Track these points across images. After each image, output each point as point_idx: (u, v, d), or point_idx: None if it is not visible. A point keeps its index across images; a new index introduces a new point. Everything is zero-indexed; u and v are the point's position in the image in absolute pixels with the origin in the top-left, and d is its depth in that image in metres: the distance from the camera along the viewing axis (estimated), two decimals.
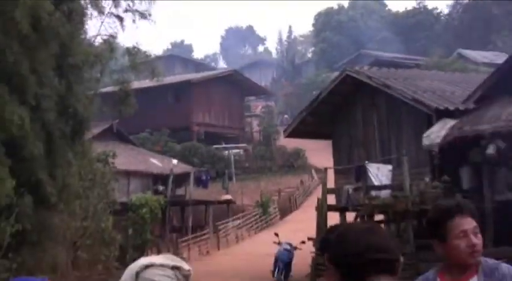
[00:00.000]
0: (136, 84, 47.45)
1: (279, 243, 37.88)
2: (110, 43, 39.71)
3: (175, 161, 62.47)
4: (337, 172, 38.32)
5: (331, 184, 36.91)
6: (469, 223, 5.74)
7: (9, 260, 28.03)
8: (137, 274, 4.82)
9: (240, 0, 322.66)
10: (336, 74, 42.08)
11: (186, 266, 4.92)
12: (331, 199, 34.99)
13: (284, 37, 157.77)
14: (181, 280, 4.76)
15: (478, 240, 5.77)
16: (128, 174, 54.47)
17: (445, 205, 6.04)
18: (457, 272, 5.94)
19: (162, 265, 4.82)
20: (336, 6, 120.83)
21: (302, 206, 64.54)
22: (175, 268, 4.83)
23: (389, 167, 33.52)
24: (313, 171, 70.79)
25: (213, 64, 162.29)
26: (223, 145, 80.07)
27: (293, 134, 42.92)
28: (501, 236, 26.98)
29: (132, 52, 45.47)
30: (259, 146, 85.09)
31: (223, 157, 77.13)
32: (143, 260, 4.94)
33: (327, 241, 6.15)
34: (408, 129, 34.77)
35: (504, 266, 6.02)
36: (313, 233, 32.45)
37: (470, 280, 5.92)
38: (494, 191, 29.39)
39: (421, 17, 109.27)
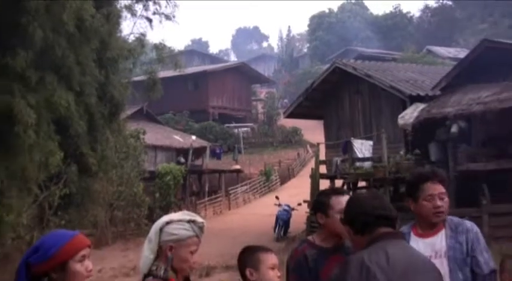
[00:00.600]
0: (162, 74, 47.20)
1: (279, 205, 38.03)
2: (140, 40, 39.70)
3: (194, 138, 62.69)
4: (327, 147, 38.34)
5: (322, 156, 36.91)
6: (437, 189, 5.83)
7: (59, 218, 28.26)
8: (161, 229, 4.93)
9: (248, 1, 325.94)
10: (327, 66, 41.99)
11: (199, 219, 5.08)
12: (323, 169, 35.01)
13: (284, 35, 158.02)
14: (197, 231, 4.98)
15: (442, 203, 5.86)
16: (155, 148, 54.47)
17: (422, 171, 6.16)
18: (426, 227, 6.05)
19: (179, 220, 4.98)
20: (327, 10, 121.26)
21: (298, 175, 64.52)
22: (191, 221, 4.99)
23: (371, 142, 33.60)
24: (308, 146, 70.74)
25: (225, 58, 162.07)
26: (234, 124, 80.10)
27: (291, 115, 42.89)
28: (462, 199, 26.97)
29: (159, 47, 45.45)
30: (263, 125, 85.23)
31: (233, 134, 77.25)
32: (165, 218, 5.07)
33: (318, 202, 6.23)
34: (386, 111, 34.77)
35: (467, 223, 6.15)
36: (307, 196, 32.47)
37: (438, 233, 5.97)
38: (456, 163, 29.38)
39: (397, 19, 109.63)
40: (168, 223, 5.03)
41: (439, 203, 5.85)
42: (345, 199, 5.97)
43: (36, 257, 4.46)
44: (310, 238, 6.36)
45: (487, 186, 27.45)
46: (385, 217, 4.73)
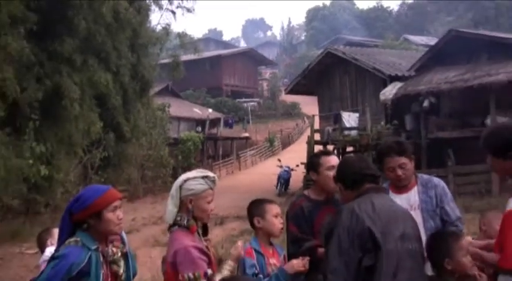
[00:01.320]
0: (183, 57, 47.18)
1: (281, 166, 38.17)
2: (166, 29, 39.86)
3: (210, 110, 62.73)
4: (321, 118, 38.32)
5: (317, 126, 36.91)
6: (396, 161, 5.86)
7: (99, 176, 28.46)
8: (180, 186, 4.98)
9: None
10: (321, 51, 41.91)
11: (211, 174, 5.17)
12: (317, 136, 34.99)
13: (285, 25, 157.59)
14: (210, 184, 5.06)
15: (402, 172, 5.91)
16: (178, 119, 54.41)
17: (383, 147, 6.17)
18: (399, 187, 6.01)
19: (195, 177, 5.05)
20: (321, 4, 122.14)
21: (297, 142, 64.52)
22: (204, 177, 5.08)
23: (357, 114, 33.63)
24: (304, 117, 70.61)
25: (236, 44, 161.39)
26: (243, 99, 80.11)
27: (291, 92, 42.89)
28: (432, 161, 27.02)
29: (181, 36, 45.87)
30: (267, 100, 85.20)
31: (243, 107, 77.16)
32: (182, 176, 5.18)
33: (311, 162, 6.28)
34: (370, 88, 34.74)
35: (435, 179, 6.18)
36: (304, 159, 32.42)
37: (412, 190, 5.99)
38: (427, 131, 29.43)
39: (379, 12, 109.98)
40: (185, 180, 5.09)
41: (399, 173, 5.86)
42: (332, 158, 6.19)
43: (76, 207, 4.58)
44: (305, 192, 6.39)
45: (453, 151, 27.49)
46: (370, 175, 4.83)
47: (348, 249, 4.52)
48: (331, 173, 5.94)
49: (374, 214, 4.55)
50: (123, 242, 4.91)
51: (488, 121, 26.00)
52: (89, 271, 4.51)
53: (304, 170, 31.43)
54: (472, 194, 24.81)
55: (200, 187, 5.06)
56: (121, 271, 4.79)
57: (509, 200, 4.84)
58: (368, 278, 4.45)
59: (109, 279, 4.69)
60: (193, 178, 5.09)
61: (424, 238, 5.12)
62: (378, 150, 6.24)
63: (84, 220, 4.60)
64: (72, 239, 4.56)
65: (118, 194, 4.78)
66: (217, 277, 5.05)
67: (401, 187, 6.04)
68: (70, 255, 4.45)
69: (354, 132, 32.18)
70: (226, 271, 5.24)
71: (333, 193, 6.09)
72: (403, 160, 5.89)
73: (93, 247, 4.58)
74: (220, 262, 5.40)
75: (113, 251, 4.74)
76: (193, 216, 5.08)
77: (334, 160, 6.13)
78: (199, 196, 5.05)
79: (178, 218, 5.05)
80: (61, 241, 4.64)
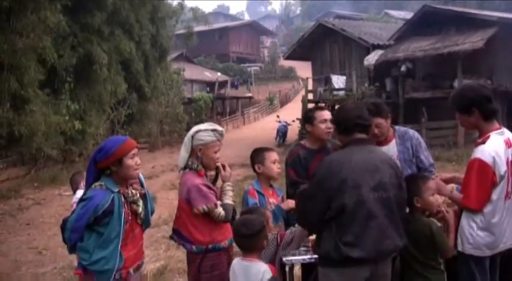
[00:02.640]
0: (196, 28, 47.20)
1: (280, 121, 38.18)
2: (181, 4, 39.83)
3: (219, 74, 62.61)
4: (314, 80, 38.28)
5: (310, 87, 36.88)
6: (372, 121, 5.79)
7: (124, 130, 28.53)
8: (192, 136, 5.03)
9: None
10: (314, 23, 41.71)
11: (219, 128, 5.26)
12: (310, 96, 34.92)
13: (283, 1, 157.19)
14: (218, 136, 5.16)
15: (379, 130, 5.87)
16: (192, 81, 54.35)
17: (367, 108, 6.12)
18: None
19: (205, 129, 5.15)
20: None
21: (293, 100, 64.33)
22: (214, 130, 5.17)
23: (344, 77, 33.63)
24: (300, 80, 70.28)
25: (241, 17, 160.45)
26: (247, 64, 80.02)
27: (288, 58, 42.88)
28: (407, 118, 27.06)
29: (194, 10, 45.99)
30: (268, 65, 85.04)
31: (247, 71, 77.09)
32: (195, 128, 5.27)
33: (306, 116, 6.28)
34: (356, 55, 34.69)
35: (410, 131, 6.19)
36: (299, 115, 32.44)
37: (391, 142, 5.98)
38: (404, 92, 29.47)
39: None
40: (197, 132, 5.20)
41: (375, 131, 5.77)
42: (324, 112, 6.16)
43: (100, 156, 4.68)
44: (302, 142, 6.40)
45: (425, 109, 27.51)
46: (361, 125, 4.66)
47: (320, 194, 4.49)
48: (324, 125, 6.04)
49: (350, 166, 4.44)
50: (141, 185, 4.97)
51: (455, 84, 26.04)
52: (113, 210, 4.61)
53: (299, 125, 31.58)
54: (442, 146, 24.92)
55: (209, 138, 5.17)
56: (140, 209, 4.87)
57: (474, 149, 4.91)
58: (339, 225, 4.43)
59: (130, 217, 4.78)
60: (204, 130, 5.20)
61: None
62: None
63: (107, 166, 4.68)
64: (97, 184, 4.66)
65: (135, 143, 4.84)
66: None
67: (380, 140, 6.03)
68: (96, 197, 4.56)
69: (341, 93, 32.25)
70: (227, 200, 5.29)
71: (325, 142, 6.13)
72: (379, 120, 5.83)
73: (116, 190, 4.66)
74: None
75: (132, 192, 4.81)
76: (202, 163, 5.21)
77: (326, 114, 6.11)
78: (208, 146, 5.17)
79: (190, 163, 5.22)
80: (88, 185, 4.74)
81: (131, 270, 4.82)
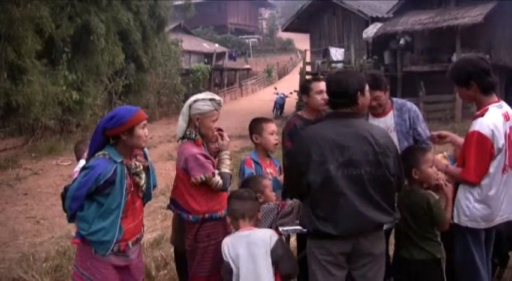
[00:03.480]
0: (194, 0, 47.19)
1: (277, 93, 38.27)
2: None
3: (217, 45, 62.43)
4: (312, 52, 38.37)
5: (308, 59, 36.91)
6: (370, 94, 5.74)
7: (122, 101, 28.49)
8: (190, 106, 5.05)
9: None
10: None
11: (217, 97, 5.24)
12: (308, 68, 34.94)
13: None
14: (215, 106, 5.14)
15: (375, 103, 5.81)
16: (189, 52, 54.01)
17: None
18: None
19: (203, 99, 5.14)
20: None
21: (291, 73, 64.30)
22: (211, 99, 5.15)
23: (343, 49, 33.77)
24: (298, 52, 70.19)
25: None
26: (245, 36, 79.92)
27: (286, 30, 42.87)
28: (405, 91, 27.12)
29: None
30: (266, 37, 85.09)
31: (245, 43, 77.03)
32: (193, 97, 5.29)
33: (303, 86, 6.29)
34: (354, 28, 34.73)
35: (408, 103, 6.12)
36: (297, 87, 32.39)
37: (389, 114, 5.95)
38: (402, 65, 29.63)
39: None
40: (195, 101, 5.20)
41: (373, 103, 5.73)
42: (321, 83, 6.07)
43: (112, 123, 4.59)
44: (299, 113, 6.41)
45: (423, 82, 27.52)
46: (341, 103, 4.49)
47: (293, 169, 4.53)
48: (320, 96, 6.01)
49: (317, 141, 4.35)
50: (145, 157, 4.97)
51: (454, 58, 26.06)
52: (114, 180, 4.58)
53: (297, 97, 31.56)
54: (439, 119, 25.01)
55: (207, 108, 5.15)
56: (142, 182, 4.85)
57: (473, 122, 4.92)
58: (312, 199, 4.42)
59: (132, 189, 4.76)
60: (202, 99, 5.19)
61: None
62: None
63: (116, 135, 4.64)
64: (100, 153, 4.62)
65: (145, 114, 4.82)
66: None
67: (378, 113, 6.01)
68: (98, 166, 4.52)
69: (339, 65, 32.32)
70: (225, 169, 5.29)
71: (322, 113, 6.07)
72: (377, 93, 5.77)
73: (119, 160, 4.63)
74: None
75: (136, 164, 4.79)
76: (199, 132, 5.22)
77: (323, 85, 6.00)
78: (205, 115, 5.16)
79: (188, 133, 5.22)
80: (91, 154, 4.71)
81: (130, 243, 4.81)
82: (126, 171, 4.69)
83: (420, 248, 4.94)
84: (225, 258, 4.64)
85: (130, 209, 4.77)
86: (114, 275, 4.77)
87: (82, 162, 6.09)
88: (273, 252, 4.53)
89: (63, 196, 4.67)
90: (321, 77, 9.08)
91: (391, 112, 6.00)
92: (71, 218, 4.70)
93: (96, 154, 4.64)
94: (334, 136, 4.35)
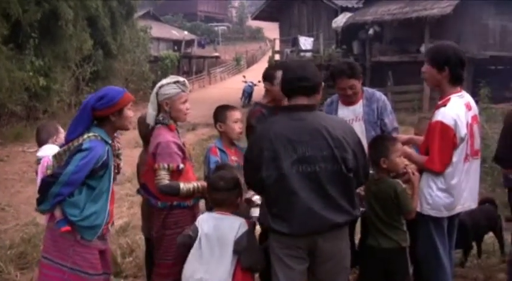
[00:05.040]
0: None
1: (246, 82, 38.26)
2: None
3: (186, 33, 62.27)
4: (281, 41, 38.44)
5: (277, 48, 37.01)
6: (347, 83, 5.76)
7: (89, 87, 28.24)
8: (156, 93, 5.04)
9: None
10: None
11: (181, 78, 5.24)
12: (277, 57, 35.03)
13: None
14: (182, 87, 5.14)
15: (352, 91, 5.85)
16: (158, 39, 53.75)
17: (337, 68, 6.03)
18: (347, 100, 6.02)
19: (168, 83, 5.13)
20: None
21: (260, 61, 64.24)
22: (176, 82, 5.14)
23: (312, 39, 33.84)
24: (267, 40, 70.05)
25: None
26: (215, 24, 79.87)
27: (256, 18, 42.98)
28: (374, 81, 27.24)
29: None
30: (236, 25, 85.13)
31: (214, 30, 76.96)
32: (158, 84, 5.24)
33: (266, 74, 6.20)
34: (324, 17, 34.87)
35: (377, 93, 6.15)
36: None
37: (358, 102, 5.99)
38: (371, 56, 29.84)
39: None
40: (160, 87, 5.19)
41: (349, 92, 5.80)
42: None
43: (102, 104, 4.56)
44: (260, 101, 6.36)
45: (391, 73, 27.76)
46: (303, 87, 4.31)
47: (248, 165, 4.46)
48: None
49: (269, 137, 4.22)
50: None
51: (422, 48, 26.28)
52: (108, 163, 4.61)
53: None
54: (407, 110, 25.21)
55: (173, 91, 5.14)
56: (122, 163, 4.95)
57: (435, 111, 4.99)
58: (267, 196, 4.37)
59: (116, 170, 4.84)
60: (167, 84, 5.17)
61: (366, 146, 5.04)
62: (331, 70, 6.07)
63: (106, 115, 4.62)
64: (90, 134, 4.56)
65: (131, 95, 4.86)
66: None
67: (352, 101, 6.05)
68: (96, 148, 4.50)
69: (308, 54, 32.51)
70: (187, 184, 5.19)
71: (282, 102, 5.78)
72: (353, 81, 5.78)
73: (110, 142, 4.67)
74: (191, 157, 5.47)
75: (118, 146, 4.88)
76: (171, 117, 5.19)
77: None
78: (173, 98, 5.13)
79: (161, 118, 5.17)
80: (75, 135, 4.59)
81: (109, 226, 4.85)
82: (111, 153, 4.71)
83: (387, 236, 4.96)
84: (190, 233, 4.70)
85: (111, 192, 4.77)
86: (99, 259, 4.76)
87: (49, 148, 5.90)
88: (237, 242, 4.54)
89: (42, 189, 4.54)
90: None
91: (361, 101, 6.02)
92: (51, 208, 4.58)
93: (87, 135, 4.55)
94: (287, 131, 4.22)
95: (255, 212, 5.00)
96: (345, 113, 5.97)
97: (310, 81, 4.36)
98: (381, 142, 5.13)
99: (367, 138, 5.65)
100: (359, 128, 5.67)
